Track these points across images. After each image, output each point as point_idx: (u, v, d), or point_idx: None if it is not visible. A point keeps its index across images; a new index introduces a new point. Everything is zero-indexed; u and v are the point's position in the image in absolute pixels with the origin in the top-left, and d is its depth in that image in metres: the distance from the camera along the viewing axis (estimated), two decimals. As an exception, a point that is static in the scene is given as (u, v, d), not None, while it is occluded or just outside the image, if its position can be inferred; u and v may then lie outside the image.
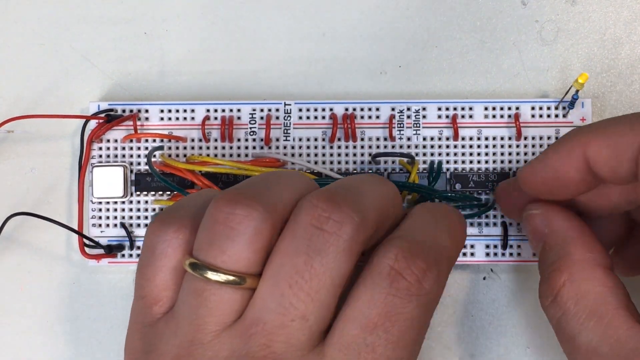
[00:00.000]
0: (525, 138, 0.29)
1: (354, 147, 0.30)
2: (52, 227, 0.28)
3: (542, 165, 0.25)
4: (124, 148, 0.30)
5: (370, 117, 0.30)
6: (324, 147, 0.30)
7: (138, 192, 0.30)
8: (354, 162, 0.30)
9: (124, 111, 0.30)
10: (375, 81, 0.31)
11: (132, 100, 0.31)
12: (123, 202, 0.30)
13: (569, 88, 0.28)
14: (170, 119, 0.30)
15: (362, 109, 0.30)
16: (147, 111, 0.30)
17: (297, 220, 0.21)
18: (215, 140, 0.30)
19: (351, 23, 0.31)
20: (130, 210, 0.30)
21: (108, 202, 0.30)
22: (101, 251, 0.29)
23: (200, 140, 0.30)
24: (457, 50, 0.31)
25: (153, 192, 0.30)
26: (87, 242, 0.29)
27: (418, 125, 0.30)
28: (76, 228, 0.29)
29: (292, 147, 0.30)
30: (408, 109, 0.30)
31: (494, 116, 0.29)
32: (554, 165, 0.24)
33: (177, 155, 0.30)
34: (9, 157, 0.31)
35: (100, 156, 0.30)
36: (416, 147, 0.30)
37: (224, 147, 0.30)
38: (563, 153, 0.24)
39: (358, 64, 0.31)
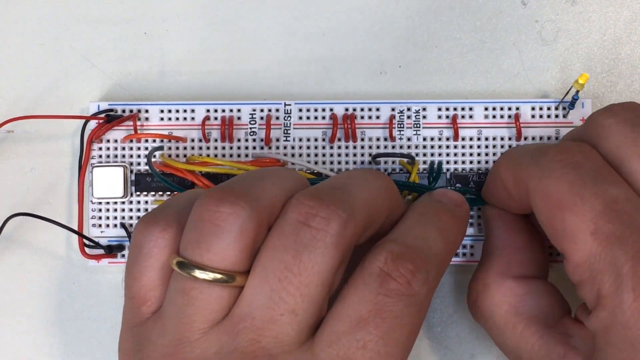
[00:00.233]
0: (526, 138, 0.29)
1: (354, 147, 0.30)
2: (52, 227, 0.28)
3: (485, 186, 0.27)
4: (124, 148, 0.30)
5: (370, 117, 0.30)
6: (324, 148, 0.30)
7: (138, 193, 0.30)
8: (354, 163, 0.30)
9: (124, 111, 0.30)
10: (375, 81, 0.31)
11: (132, 100, 0.31)
12: (123, 203, 0.30)
13: (569, 88, 0.28)
14: (170, 119, 0.30)
15: (362, 109, 0.30)
16: (147, 111, 0.30)
17: (285, 218, 0.22)
18: (215, 140, 0.30)
19: (351, 23, 0.31)
20: (130, 210, 0.30)
21: (108, 202, 0.30)
22: (101, 251, 0.29)
23: (200, 140, 0.30)
24: (457, 50, 0.31)
25: (153, 193, 0.30)
26: (87, 242, 0.29)
27: (418, 125, 0.30)
28: (76, 228, 0.29)
29: (292, 148, 0.30)
30: (408, 109, 0.30)
31: (494, 116, 0.29)
32: (488, 188, 0.27)
33: (177, 156, 0.30)
34: (9, 157, 0.31)
35: (100, 156, 0.30)
36: (416, 147, 0.30)
37: (224, 147, 0.30)
38: (490, 180, 0.26)
39: (358, 64, 0.31)
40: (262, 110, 0.30)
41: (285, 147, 0.30)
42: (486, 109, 0.30)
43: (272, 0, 0.31)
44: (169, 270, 0.22)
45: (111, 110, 0.30)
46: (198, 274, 0.21)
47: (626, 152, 0.22)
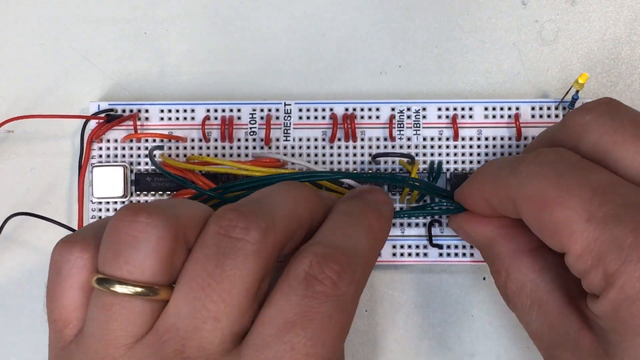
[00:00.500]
0: (526, 138, 0.29)
1: (354, 147, 0.30)
2: (52, 227, 0.28)
3: (463, 201, 0.27)
4: (124, 148, 0.30)
5: (370, 117, 0.30)
6: (324, 147, 0.30)
7: (138, 192, 0.30)
8: (354, 162, 0.30)
9: (124, 111, 0.30)
10: (375, 81, 0.31)
11: (132, 100, 0.31)
12: (123, 202, 0.30)
13: (569, 88, 0.28)
14: (170, 119, 0.30)
15: (362, 109, 0.30)
16: (147, 111, 0.30)
17: (206, 231, 0.22)
18: (216, 140, 0.30)
19: (351, 23, 0.31)
20: (130, 210, 0.30)
21: (108, 202, 0.30)
22: (101, 251, 0.29)
23: (200, 140, 0.30)
24: (457, 50, 0.31)
25: (153, 192, 0.30)
26: (87, 242, 0.29)
27: (418, 125, 0.30)
28: (76, 228, 0.29)
29: (292, 147, 0.30)
30: (408, 109, 0.30)
31: (494, 116, 0.29)
32: (468, 202, 0.26)
33: (177, 155, 0.30)
34: (9, 157, 0.31)
35: (100, 156, 0.30)
36: (416, 147, 0.30)
37: (224, 147, 0.30)
38: (467, 195, 0.26)
39: (358, 64, 0.31)
40: (262, 110, 0.30)
41: (285, 147, 0.30)
42: (486, 108, 0.30)
43: (272, 0, 0.31)
44: (89, 290, 0.22)
45: (111, 110, 0.30)
46: (118, 288, 0.21)
47: (608, 141, 0.22)
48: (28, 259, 0.31)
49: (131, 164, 0.30)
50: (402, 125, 0.30)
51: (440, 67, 0.31)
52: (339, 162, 0.30)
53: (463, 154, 0.29)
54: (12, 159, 0.31)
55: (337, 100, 0.30)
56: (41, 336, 0.31)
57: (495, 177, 0.24)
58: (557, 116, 0.29)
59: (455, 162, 0.29)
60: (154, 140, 0.30)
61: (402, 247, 0.29)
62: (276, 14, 0.31)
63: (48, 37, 0.31)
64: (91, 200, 0.30)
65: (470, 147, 0.29)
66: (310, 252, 0.22)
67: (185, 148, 0.30)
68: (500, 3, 0.31)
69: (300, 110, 0.30)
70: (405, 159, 0.29)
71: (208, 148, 0.30)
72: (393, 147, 0.30)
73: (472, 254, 0.29)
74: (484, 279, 0.30)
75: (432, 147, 0.30)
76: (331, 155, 0.30)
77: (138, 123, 0.30)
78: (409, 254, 0.29)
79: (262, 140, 0.30)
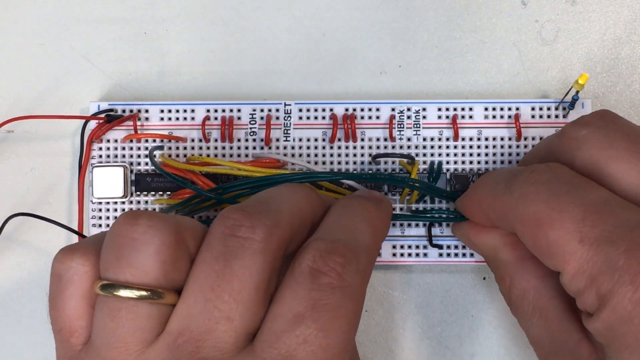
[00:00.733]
0: (526, 138, 0.29)
1: (354, 147, 0.30)
2: (52, 227, 0.28)
3: (464, 209, 0.27)
4: (124, 148, 0.30)
5: (370, 117, 0.30)
6: (324, 148, 0.30)
7: (138, 193, 0.30)
8: (354, 163, 0.30)
9: (124, 111, 0.30)
10: (375, 81, 0.31)
11: (132, 100, 0.31)
12: (123, 203, 0.30)
13: (569, 89, 0.28)
14: (170, 119, 0.30)
15: (362, 109, 0.30)
16: (147, 111, 0.30)
17: (212, 232, 0.22)
18: (216, 140, 0.30)
19: (351, 23, 0.31)
20: (131, 210, 0.30)
21: (108, 203, 0.30)
22: (101, 251, 0.29)
23: (200, 140, 0.30)
24: (457, 50, 0.31)
25: (153, 192, 0.30)
26: (87, 242, 0.29)
27: (418, 125, 0.30)
28: (76, 228, 0.29)
29: (292, 148, 0.30)
30: (408, 109, 0.30)
31: (494, 116, 0.29)
32: (468, 214, 0.27)
33: (177, 156, 0.30)
34: (9, 157, 0.31)
35: (101, 156, 0.30)
36: (416, 147, 0.30)
37: (224, 148, 0.30)
38: (467, 207, 0.27)
39: (358, 64, 0.31)
40: (262, 110, 0.30)
41: (285, 147, 0.30)
42: (486, 109, 0.30)
43: (272, 0, 0.31)
44: (92, 297, 0.22)
45: (111, 110, 0.30)
46: (123, 292, 0.21)
47: (602, 156, 0.22)
48: (28, 259, 0.31)
49: (131, 164, 0.30)
50: (402, 126, 0.30)
51: (440, 67, 0.31)
52: (339, 163, 0.30)
53: (463, 154, 0.29)
54: (12, 159, 0.31)
55: (337, 101, 0.30)
56: (41, 336, 0.31)
57: (492, 194, 0.24)
58: (557, 116, 0.29)
59: (456, 162, 0.29)
60: (154, 141, 0.30)
61: (402, 247, 0.29)
62: (276, 14, 0.31)
63: (48, 37, 0.31)
64: (91, 201, 0.30)
65: (470, 147, 0.29)
66: (313, 247, 0.22)
67: (185, 148, 0.30)
68: (500, 3, 0.31)
69: (300, 110, 0.30)
70: (405, 160, 0.29)
71: (208, 148, 0.30)
72: (393, 147, 0.30)
73: (472, 254, 0.29)
74: (484, 279, 0.30)
75: (432, 147, 0.30)
76: (331, 155, 0.30)
77: (138, 123, 0.30)
78: (409, 254, 0.29)
79: (262, 140, 0.30)
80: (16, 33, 0.31)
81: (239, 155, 0.30)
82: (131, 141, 0.30)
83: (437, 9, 0.31)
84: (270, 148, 0.30)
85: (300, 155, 0.30)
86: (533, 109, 0.29)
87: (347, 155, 0.30)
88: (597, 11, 0.31)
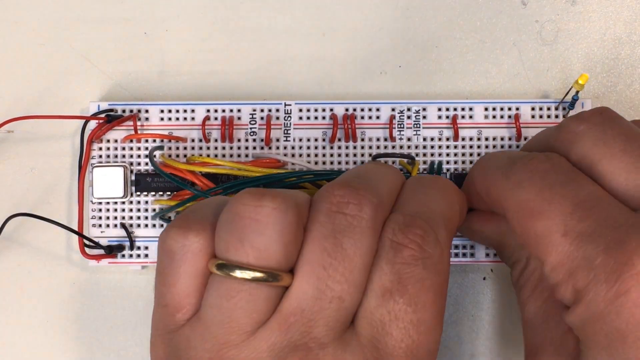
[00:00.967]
0: (526, 139, 0.29)
1: (354, 147, 0.30)
2: (52, 227, 0.28)
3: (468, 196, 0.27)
4: (124, 148, 0.30)
5: (370, 117, 0.30)
6: (324, 148, 0.30)
7: (138, 193, 0.30)
8: (354, 163, 0.30)
9: (124, 111, 0.30)
10: (375, 81, 0.31)
11: (132, 100, 0.31)
12: (123, 203, 0.30)
13: (569, 89, 0.28)
14: (170, 119, 0.30)
15: (362, 109, 0.30)
16: (147, 111, 0.30)
17: (319, 209, 0.22)
18: (216, 140, 0.30)
19: (351, 23, 0.31)
20: (131, 210, 0.30)
21: (108, 203, 0.30)
22: (101, 251, 0.29)
23: (200, 140, 0.30)
24: (457, 50, 0.31)
25: (153, 193, 0.30)
26: (87, 242, 0.29)
27: (418, 125, 0.30)
28: (76, 228, 0.29)
29: (293, 148, 0.30)
30: (408, 110, 0.30)
31: (494, 117, 0.29)
32: (469, 198, 0.27)
33: (177, 156, 0.30)
34: (9, 157, 0.31)
35: (100, 156, 0.30)
36: (416, 147, 0.30)
37: (224, 148, 0.30)
38: (466, 189, 0.26)
39: (358, 64, 0.31)
40: (262, 110, 0.30)
41: (285, 147, 0.30)
42: (486, 109, 0.30)
43: (272, 0, 0.31)
44: (204, 275, 0.22)
45: (111, 110, 0.30)
46: (239, 273, 0.21)
47: (597, 153, 0.22)
48: (28, 259, 0.31)
49: (131, 164, 0.30)
50: (402, 126, 0.30)
51: (440, 67, 0.31)
52: (339, 163, 0.30)
53: (463, 154, 0.29)
54: (13, 159, 0.31)
55: (337, 101, 0.30)
56: (41, 336, 0.31)
57: (489, 175, 0.24)
58: (557, 117, 0.29)
59: (456, 162, 0.29)
60: (154, 141, 0.30)
61: (402, 247, 0.29)
62: (276, 14, 0.31)
63: (48, 37, 0.31)
64: (91, 201, 0.30)
65: (471, 147, 0.29)
66: (393, 221, 0.22)
67: (185, 148, 0.30)
68: (500, 3, 0.31)
69: (301, 110, 0.30)
70: (405, 160, 0.29)
71: (208, 148, 0.30)
72: (393, 147, 0.30)
73: (472, 254, 0.29)
74: (484, 279, 0.30)
75: (432, 147, 0.30)
76: (331, 155, 0.30)
77: (138, 123, 0.30)
78: (409, 254, 0.29)
79: (262, 140, 0.30)
80: (16, 33, 0.31)
81: (239, 156, 0.30)
82: (131, 141, 0.30)
83: (437, 9, 0.31)
84: (270, 148, 0.30)
85: (301, 155, 0.30)
86: (533, 109, 0.29)
87: (347, 155, 0.30)
88: (597, 11, 0.31)
